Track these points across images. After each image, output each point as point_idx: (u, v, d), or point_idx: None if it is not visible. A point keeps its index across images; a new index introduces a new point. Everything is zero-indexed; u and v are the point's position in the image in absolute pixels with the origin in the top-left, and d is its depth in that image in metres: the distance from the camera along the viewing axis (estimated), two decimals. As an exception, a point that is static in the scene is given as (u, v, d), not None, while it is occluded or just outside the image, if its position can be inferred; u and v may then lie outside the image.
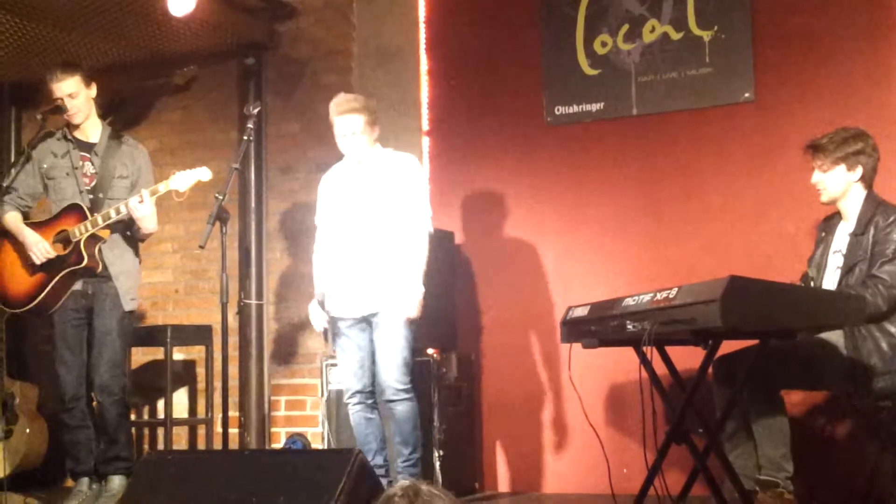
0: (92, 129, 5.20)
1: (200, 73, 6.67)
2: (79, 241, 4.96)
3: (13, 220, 5.15)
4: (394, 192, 4.80)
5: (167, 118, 6.81)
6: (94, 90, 5.18)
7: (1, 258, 5.19)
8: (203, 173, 4.89)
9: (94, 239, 5.00)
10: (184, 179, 4.89)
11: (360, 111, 4.76)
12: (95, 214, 4.97)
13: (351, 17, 6.34)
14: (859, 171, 4.36)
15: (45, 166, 5.17)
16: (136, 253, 5.23)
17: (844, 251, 4.38)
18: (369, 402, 4.81)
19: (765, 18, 5.41)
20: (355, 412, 4.81)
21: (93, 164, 5.14)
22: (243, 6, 6.22)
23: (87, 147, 5.17)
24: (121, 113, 6.73)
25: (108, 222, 4.95)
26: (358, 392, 4.79)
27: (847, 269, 4.32)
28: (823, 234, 4.57)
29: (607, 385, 5.53)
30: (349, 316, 4.79)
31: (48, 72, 5.12)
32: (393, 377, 4.67)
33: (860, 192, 4.39)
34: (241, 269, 6.35)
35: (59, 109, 5.16)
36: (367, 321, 4.77)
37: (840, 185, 4.39)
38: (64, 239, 5.02)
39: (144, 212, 4.90)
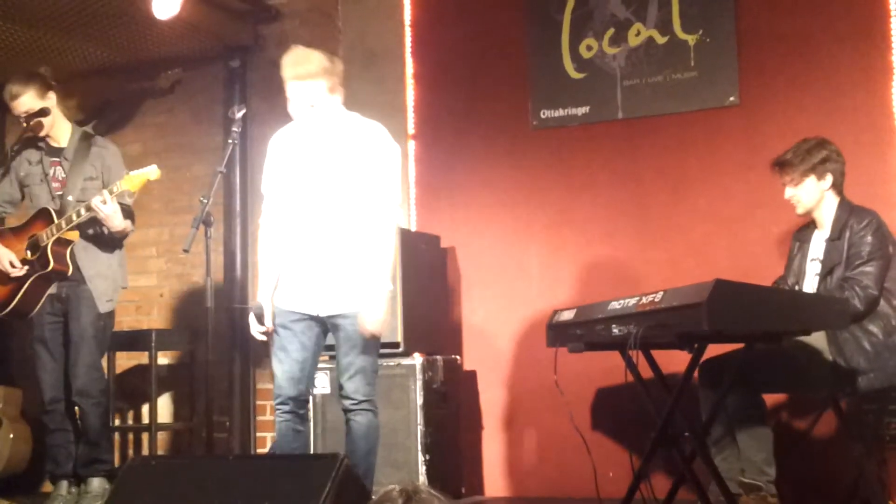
0: (62, 133, 5.19)
1: (185, 76, 6.65)
2: (46, 246, 4.95)
3: None
4: (359, 166, 4.11)
5: (152, 121, 6.79)
6: (52, 98, 5.11)
7: None
8: (152, 172, 4.84)
9: (63, 242, 4.99)
10: (134, 179, 4.84)
11: (316, 76, 4.09)
12: (61, 218, 4.96)
13: (336, 19, 6.34)
14: (829, 178, 4.43)
15: (21, 174, 5.21)
16: (115, 254, 5.19)
17: (822, 257, 4.44)
18: (301, 412, 4.19)
19: (750, 22, 5.42)
20: (283, 421, 4.17)
21: (63, 168, 5.13)
22: (228, 9, 6.20)
23: (57, 152, 5.17)
24: (105, 116, 6.71)
25: (71, 225, 4.94)
26: (291, 399, 4.14)
27: (825, 274, 4.38)
28: (798, 243, 4.64)
29: (593, 389, 5.53)
30: (302, 311, 4.15)
31: (4, 90, 5.07)
32: (352, 385, 4.11)
33: (833, 200, 4.47)
34: (226, 273, 6.33)
35: (44, 113, 5.12)
36: (319, 319, 4.16)
37: (814, 195, 4.46)
38: (35, 244, 5.02)
39: (108, 210, 4.85)
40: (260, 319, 4.21)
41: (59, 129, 5.18)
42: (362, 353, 4.10)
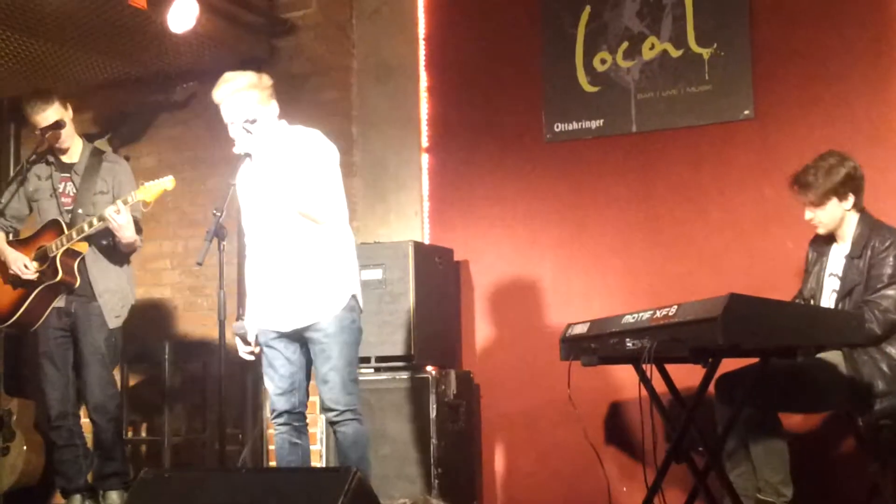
0: (73, 149, 5.23)
1: (200, 89, 6.66)
2: (55, 256, 4.97)
3: None
4: (294, 176, 4.16)
5: (167, 134, 6.81)
6: (70, 111, 5.19)
7: None
8: (168, 182, 4.87)
9: (71, 254, 5.01)
10: (150, 189, 4.87)
11: (245, 89, 4.18)
12: (71, 229, 4.97)
13: (351, 33, 6.35)
14: (851, 198, 4.34)
15: (30, 189, 5.24)
16: (124, 270, 5.20)
17: (840, 274, 4.37)
18: (297, 424, 4.30)
19: (764, 36, 5.41)
20: (280, 434, 4.29)
21: (73, 183, 5.16)
22: (243, 22, 6.23)
23: (67, 167, 5.21)
24: (120, 129, 6.74)
25: (82, 235, 4.96)
26: (286, 412, 4.27)
27: (844, 294, 4.31)
28: (816, 254, 4.56)
29: (607, 403, 5.51)
30: (273, 329, 4.28)
31: (26, 104, 5.13)
32: (332, 396, 4.16)
33: (854, 215, 4.38)
34: (239, 286, 6.32)
35: (59, 125, 5.16)
36: (296, 336, 4.26)
37: (835, 216, 4.37)
38: (42, 255, 5.04)
39: (121, 221, 4.87)
40: (244, 340, 4.33)
41: (72, 146, 5.21)
42: (337, 363, 4.16)
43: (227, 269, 4.66)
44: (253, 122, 4.21)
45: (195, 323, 6.60)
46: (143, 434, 6.62)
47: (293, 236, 4.20)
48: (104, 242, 5.08)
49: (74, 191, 5.14)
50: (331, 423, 4.24)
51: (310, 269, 4.19)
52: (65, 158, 5.20)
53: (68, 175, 5.18)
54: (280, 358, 4.28)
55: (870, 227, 4.33)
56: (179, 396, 6.54)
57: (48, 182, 5.19)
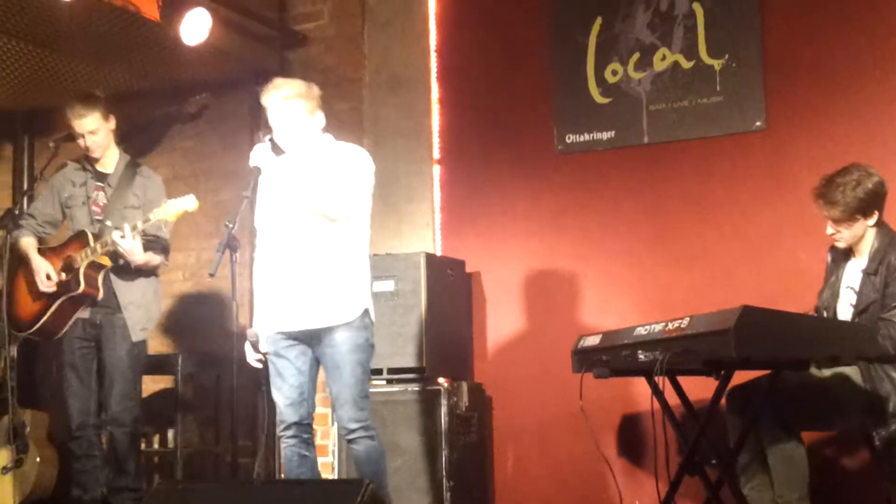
0: (109, 159, 5.23)
1: (212, 101, 6.70)
2: (79, 268, 4.98)
3: (26, 245, 5.20)
4: (314, 181, 4.23)
5: (179, 146, 6.83)
6: (112, 122, 5.20)
7: (17, 282, 5.23)
8: (189, 202, 4.83)
9: (96, 266, 5.01)
10: (170, 209, 4.84)
11: (294, 97, 4.28)
12: (96, 242, 4.98)
13: (362, 45, 6.37)
14: (875, 216, 4.28)
15: (64, 195, 5.23)
16: (151, 283, 5.20)
17: (857, 288, 4.34)
18: (305, 436, 4.28)
19: (776, 47, 5.41)
20: (288, 447, 4.27)
21: (105, 193, 5.17)
22: (255, 34, 6.25)
23: (102, 177, 5.21)
24: (133, 141, 6.75)
25: (105, 249, 4.95)
26: (294, 424, 4.25)
27: (861, 310, 4.27)
28: (834, 265, 4.52)
29: (619, 415, 5.50)
30: (286, 331, 4.25)
31: (68, 106, 5.12)
32: (344, 414, 4.17)
33: (873, 230, 4.33)
34: (252, 297, 6.33)
35: (72, 137, 5.19)
36: (307, 342, 4.26)
37: (859, 233, 4.31)
38: (68, 266, 5.05)
39: (125, 245, 4.87)
40: (255, 347, 4.30)
41: (109, 155, 5.23)
42: (349, 381, 4.16)
43: (239, 281, 4.67)
44: (298, 128, 4.27)
45: (208, 334, 6.61)
46: (156, 446, 6.63)
47: (311, 239, 4.20)
48: None
49: (106, 201, 5.15)
50: (346, 441, 4.25)
51: (325, 271, 4.19)
52: (100, 168, 5.21)
53: (102, 185, 5.19)
54: (290, 367, 4.26)
55: (886, 242, 4.27)
56: (192, 408, 6.55)
57: (82, 189, 5.19)
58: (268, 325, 4.29)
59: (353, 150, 4.39)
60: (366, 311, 4.25)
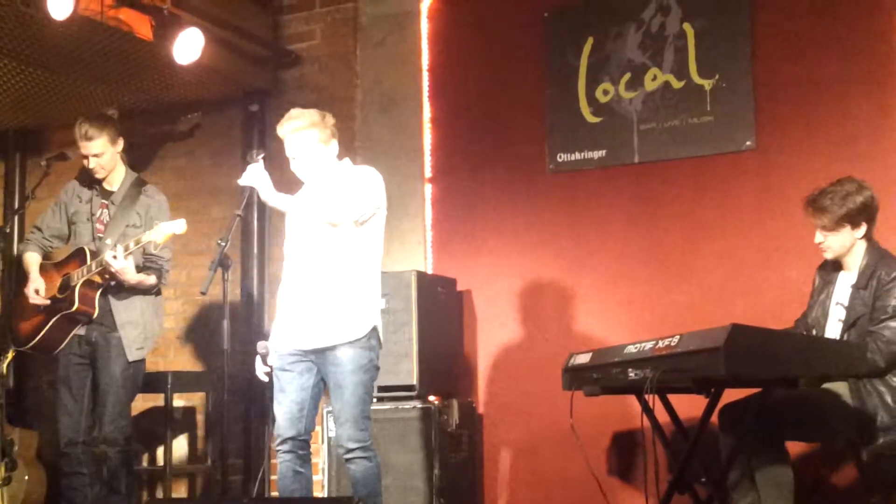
0: (116, 177, 5.22)
1: (205, 119, 6.71)
2: (75, 286, 4.98)
3: (28, 260, 5.22)
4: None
5: (171, 164, 6.84)
6: (121, 144, 5.18)
7: (21, 297, 5.25)
8: (178, 226, 4.82)
9: (92, 285, 5.00)
10: (160, 232, 4.82)
11: (308, 128, 4.37)
12: (92, 260, 4.98)
13: (354, 64, 6.40)
14: (864, 227, 4.32)
15: (71, 210, 5.23)
16: (150, 303, 5.19)
17: (846, 304, 4.36)
18: (301, 452, 4.29)
19: (766, 67, 5.44)
20: (283, 462, 4.28)
21: (108, 211, 5.17)
22: (248, 54, 6.27)
23: (108, 195, 5.20)
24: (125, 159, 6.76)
25: (98, 269, 4.94)
26: (290, 439, 4.27)
27: (849, 325, 4.29)
28: (822, 282, 4.53)
29: (609, 433, 5.50)
30: (294, 348, 4.31)
31: (77, 124, 5.09)
32: (344, 433, 4.19)
33: (862, 244, 4.36)
34: (243, 316, 6.34)
35: (64, 156, 5.20)
36: (314, 361, 4.30)
37: (846, 243, 4.34)
38: (65, 283, 5.05)
39: (116, 266, 4.86)
40: (264, 360, 4.39)
41: (116, 174, 5.22)
42: (350, 400, 4.19)
43: (230, 299, 4.68)
44: (313, 157, 4.36)
45: (198, 353, 6.60)
46: (145, 464, 6.61)
47: (322, 258, 4.28)
48: None
49: (109, 219, 5.15)
50: (344, 459, 4.25)
51: (333, 291, 4.25)
52: (106, 185, 5.21)
53: (107, 202, 5.19)
54: (294, 383, 4.29)
55: (877, 257, 4.30)
56: (182, 426, 6.53)
57: (87, 206, 5.19)
58: (280, 343, 4.36)
59: (363, 168, 4.47)
60: (373, 330, 4.28)
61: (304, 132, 4.35)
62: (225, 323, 4.57)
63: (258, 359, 4.43)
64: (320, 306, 4.25)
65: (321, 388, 4.35)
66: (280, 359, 4.34)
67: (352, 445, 4.18)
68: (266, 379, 4.40)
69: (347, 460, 4.22)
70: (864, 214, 4.29)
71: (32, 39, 5.41)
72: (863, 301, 4.25)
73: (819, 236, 4.38)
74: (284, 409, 4.29)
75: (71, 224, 5.23)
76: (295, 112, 4.42)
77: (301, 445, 4.28)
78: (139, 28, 5.39)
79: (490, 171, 6.03)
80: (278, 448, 4.29)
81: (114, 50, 5.59)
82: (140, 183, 5.25)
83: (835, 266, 4.48)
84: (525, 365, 5.77)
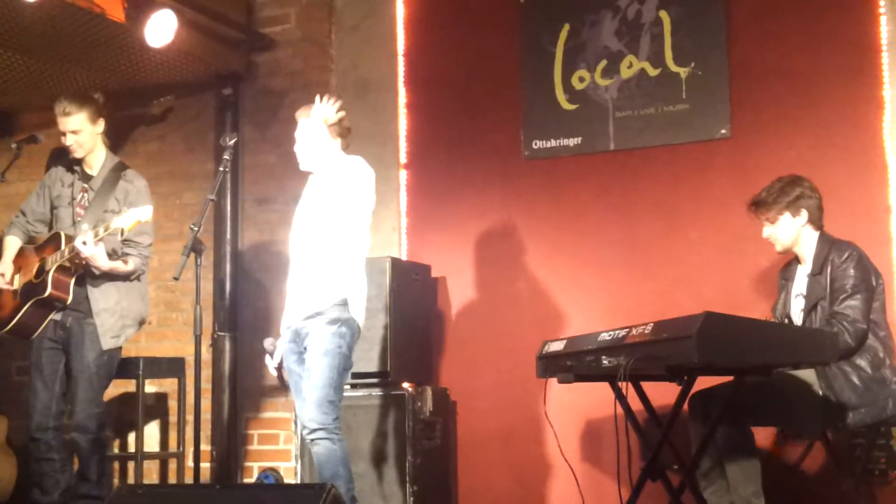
0: (95, 160, 5.16)
1: (177, 103, 6.66)
2: (49, 271, 4.93)
3: (6, 243, 5.18)
4: (331, 198, 4.45)
5: (143, 149, 6.78)
6: (101, 125, 5.12)
7: None
8: (143, 213, 4.77)
9: (67, 270, 4.94)
10: (127, 218, 4.78)
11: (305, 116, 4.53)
12: (66, 246, 4.92)
13: (329, 49, 6.36)
14: (804, 214, 4.49)
15: (54, 194, 5.18)
16: (128, 290, 5.12)
17: (805, 292, 4.45)
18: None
19: (741, 56, 5.45)
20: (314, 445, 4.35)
21: (87, 196, 5.12)
22: (221, 37, 6.22)
23: (89, 178, 5.15)
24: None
25: (72, 254, 4.89)
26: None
27: (809, 308, 4.39)
28: (784, 281, 4.68)
29: (583, 420, 5.51)
30: (291, 333, 4.46)
31: (56, 101, 5.05)
32: (306, 414, 4.27)
33: (812, 234, 4.51)
34: (216, 302, 6.31)
35: (34, 139, 5.14)
36: (298, 341, 4.42)
37: (791, 232, 4.52)
38: (41, 267, 4.99)
39: (86, 252, 4.80)
40: (271, 355, 4.56)
41: (96, 157, 5.15)
42: (317, 382, 4.26)
43: (203, 284, 4.65)
44: (314, 147, 4.50)
45: (170, 339, 6.56)
46: (117, 450, 6.57)
47: (314, 243, 4.45)
48: None
49: (88, 203, 5.10)
50: (307, 440, 4.31)
51: (319, 268, 4.40)
52: (87, 169, 5.15)
53: (87, 187, 5.14)
54: (300, 383, 4.40)
55: (828, 244, 4.45)
56: (153, 412, 6.50)
57: (69, 190, 5.13)
58: (283, 332, 4.53)
59: (351, 165, 4.50)
60: (343, 312, 4.34)
61: (311, 121, 4.49)
62: (197, 308, 4.55)
63: (266, 357, 4.57)
64: (307, 283, 4.42)
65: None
66: (286, 356, 4.47)
67: (313, 426, 4.22)
68: (275, 374, 4.55)
69: (310, 441, 4.27)
70: (801, 202, 4.49)
71: (3, 21, 5.34)
72: (820, 286, 4.39)
73: (766, 230, 4.59)
74: (296, 397, 4.45)
75: (53, 208, 5.18)
76: (316, 103, 4.51)
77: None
78: (111, 9, 5.33)
79: (465, 157, 6.02)
80: (308, 437, 4.32)
81: (85, 32, 5.52)
82: (121, 167, 5.19)
83: (793, 264, 4.63)
84: (499, 352, 5.77)
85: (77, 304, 4.98)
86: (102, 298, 5.00)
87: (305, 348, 4.37)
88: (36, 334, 5.03)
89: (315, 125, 4.46)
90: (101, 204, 5.07)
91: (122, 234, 4.80)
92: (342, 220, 4.41)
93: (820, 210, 4.52)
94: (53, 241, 5.05)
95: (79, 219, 5.06)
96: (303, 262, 4.49)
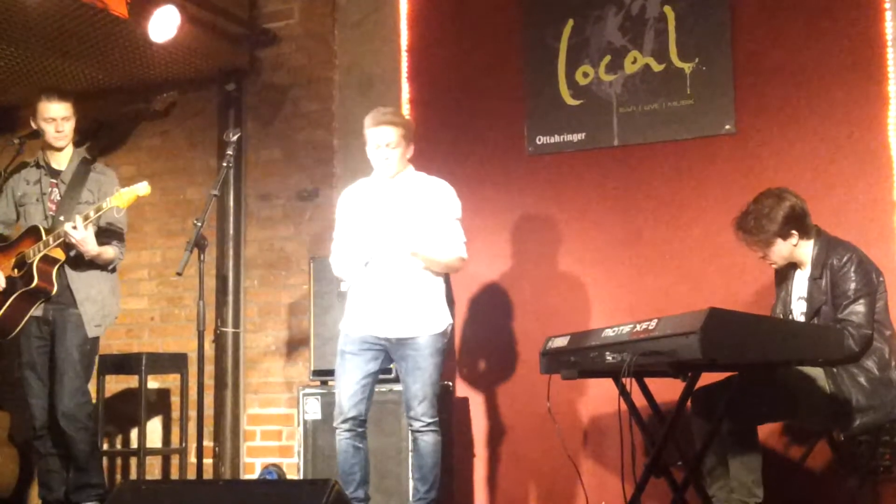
0: (64, 156, 5.17)
1: (181, 98, 6.64)
2: (31, 263, 4.92)
3: None
4: (429, 215, 4.68)
5: (146, 144, 6.78)
6: (74, 120, 5.17)
7: None
8: (141, 188, 4.81)
9: (49, 260, 4.94)
10: (124, 195, 4.80)
11: (396, 124, 4.66)
12: (48, 235, 4.92)
13: (332, 44, 6.34)
14: (795, 236, 4.36)
15: (18, 194, 5.18)
16: (108, 280, 5.14)
17: (806, 296, 4.41)
18: (360, 430, 4.59)
19: (746, 51, 5.43)
20: (344, 439, 4.57)
21: (59, 190, 5.11)
22: (225, 33, 6.21)
23: (56, 173, 5.15)
24: (100, 138, 6.69)
25: (58, 242, 4.89)
26: (351, 419, 4.55)
27: (812, 314, 4.34)
28: (780, 279, 4.60)
29: (586, 416, 5.50)
30: (374, 335, 4.59)
31: (43, 92, 5.10)
32: (422, 409, 4.56)
33: (807, 243, 4.41)
34: (218, 297, 6.31)
35: (37, 134, 5.13)
36: (384, 349, 4.61)
37: (785, 252, 4.41)
38: (21, 261, 4.98)
39: (77, 236, 4.82)
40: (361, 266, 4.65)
41: (64, 152, 5.17)
42: (430, 380, 4.57)
43: (206, 280, 4.64)
44: (394, 152, 4.66)
45: (173, 334, 6.55)
46: (119, 446, 6.57)
47: (412, 262, 4.60)
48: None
49: (60, 197, 5.10)
50: (415, 432, 4.61)
51: (424, 289, 4.62)
52: (54, 164, 5.16)
53: (56, 182, 5.14)
54: (359, 369, 4.57)
55: (827, 246, 4.36)
56: (156, 408, 6.49)
57: (36, 187, 5.14)
58: (354, 328, 4.62)
59: (448, 190, 4.82)
60: (450, 324, 4.72)
61: (391, 126, 4.66)
62: (200, 304, 4.54)
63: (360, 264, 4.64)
64: (409, 299, 4.58)
65: (379, 371, 4.67)
66: (350, 342, 4.60)
67: (428, 419, 4.57)
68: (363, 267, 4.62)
69: (421, 432, 4.59)
70: (790, 225, 4.34)
71: (5, 15, 5.34)
72: (821, 290, 4.32)
73: (759, 253, 4.46)
74: (349, 391, 4.56)
75: (19, 206, 5.17)
76: (387, 108, 4.79)
77: (360, 424, 4.58)
78: (115, 5, 5.31)
79: (469, 152, 6.00)
80: (340, 426, 4.56)
81: (89, 27, 5.52)
82: (88, 161, 5.22)
83: (790, 264, 4.54)
84: (502, 348, 5.76)
85: (59, 295, 4.99)
86: (85, 288, 5.02)
87: (391, 350, 4.61)
88: (17, 330, 5.00)
89: (406, 133, 4.67)
90: (74, 197, 5.08)
91: (118, 211, 4.83)
92: (458, 242, 4.73)
93: (807, 217, 4.38)
94: (31, 234, 5.04)
95: (51, 213, 5.07)
96: (403, 276, 4.59)
